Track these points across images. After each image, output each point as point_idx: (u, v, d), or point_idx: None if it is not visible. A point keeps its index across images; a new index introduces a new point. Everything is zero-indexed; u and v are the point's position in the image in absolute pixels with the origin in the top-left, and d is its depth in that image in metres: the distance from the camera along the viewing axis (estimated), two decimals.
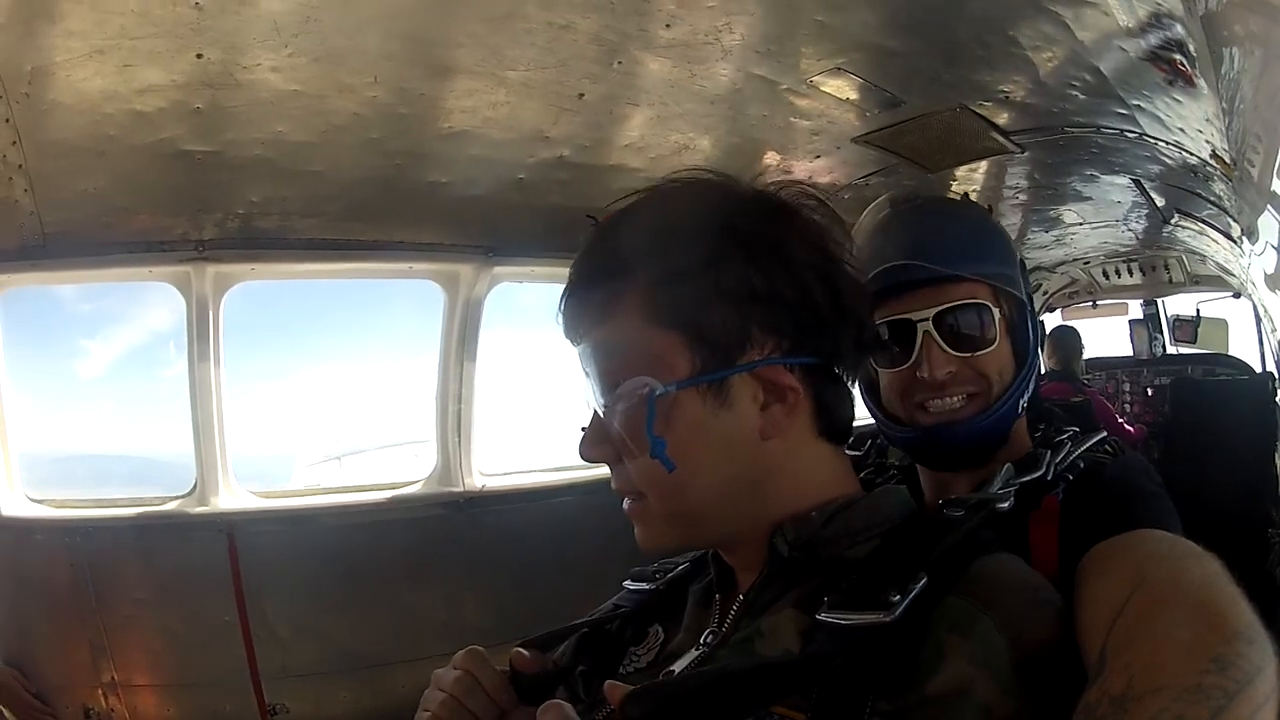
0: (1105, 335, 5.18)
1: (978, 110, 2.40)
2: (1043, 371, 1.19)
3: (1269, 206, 1.78)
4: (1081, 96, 2.26)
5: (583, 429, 0.70)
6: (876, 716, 0.54)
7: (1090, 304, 5.18)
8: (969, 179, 3.07)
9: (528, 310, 3.36)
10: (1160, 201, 3.23)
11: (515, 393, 3.78)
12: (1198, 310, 4.58)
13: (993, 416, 0.97)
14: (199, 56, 1.83)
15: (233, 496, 2.71)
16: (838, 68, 2.14)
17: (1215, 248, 3.51)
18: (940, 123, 2.47)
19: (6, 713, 2.46)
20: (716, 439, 0.65)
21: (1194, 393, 4.05)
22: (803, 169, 2.70)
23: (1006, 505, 0.72)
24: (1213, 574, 0.59)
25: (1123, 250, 4.40)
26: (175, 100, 1.96)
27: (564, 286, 0.69)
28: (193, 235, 2.51)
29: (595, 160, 2.51)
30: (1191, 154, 2.37)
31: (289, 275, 2.89)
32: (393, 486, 3.09)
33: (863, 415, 0.83)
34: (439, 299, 2.99)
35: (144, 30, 1.72)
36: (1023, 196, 3.39)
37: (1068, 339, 4.17)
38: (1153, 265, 4.57)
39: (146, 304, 2.98)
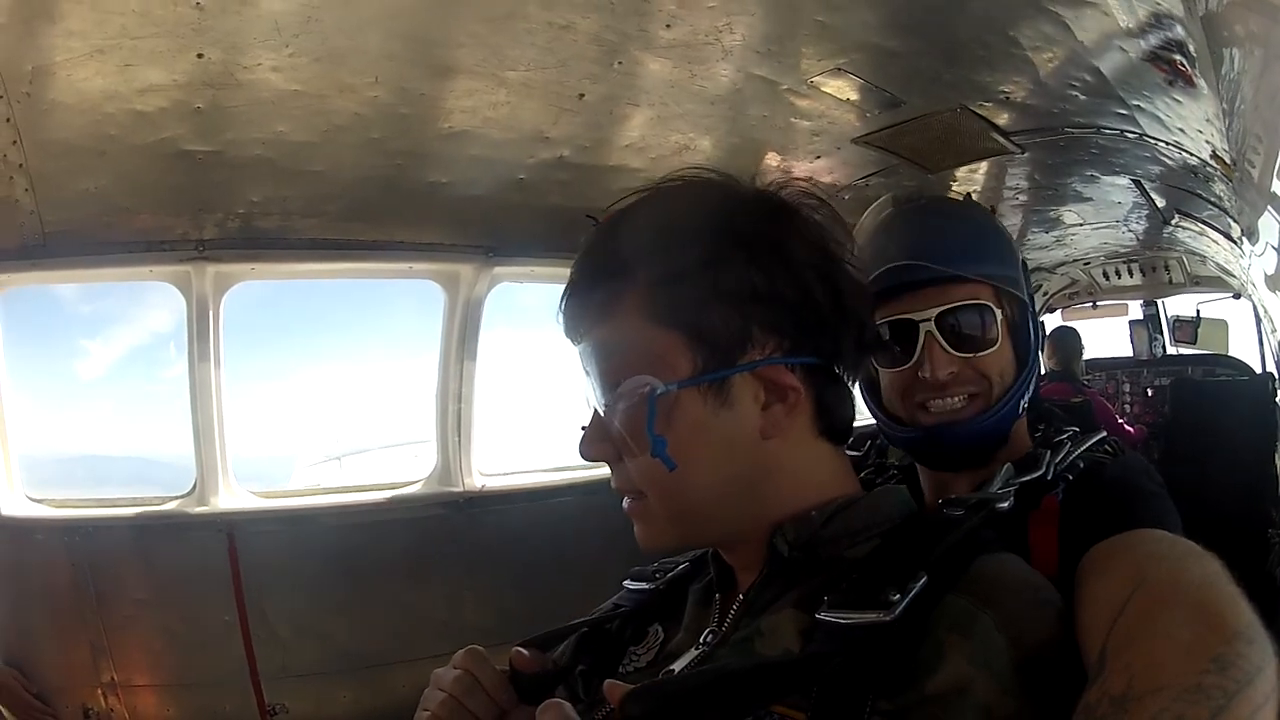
0: (1105, 336, 5.20)
1: (978, 111, 2.40)
2: (1042, 372, 1.19)
3: (1269, 207, 1.78)
4: (1082, 97, 2.26)
5: (583, 428, 0.70)
6: (876, 715, 0.54)
7: (1090, 305, 5.19)
8: (969, 180, 3.07)
9: (528, 311, 3.37)
10: (1160, 202, 3.23)
11: (515, 393, 3.79)
12: (1198, 311, 4.58)
13: (994, 417, 0.97)
14: (200, 56, 1.83)
15: (233, 496, 2.71)
16: (838, 68, 2.14)
17: (1215, 248, 3.51)
18: (940, 123, 2.47)
19: (6, 712, 2.46)
20: (717, 438, 0.65)
21: (1194, 394, 4.05)
22: (803, 170, 2.70)
23: (1006, 505, 0.72)
24: (1213, 574, 0.59)
25: (1123, 251, 4.40)
26: (176, 100, 1.96)
27: (565, 286, 0.69)
28: (193, 235, 2.51)
29: (595, 160, 2.51)
30: (1192, 154, 2.37)
31: (289, 275, 2.89)
32: (393, 486, 3.09)
33: (862, 415, 0.83)
34: (439, 299, 2.99)
35: (145, 30, 1.72)
36: (1023, 197, 3.39)
37: (1068, 339, 4.17)
38: (1153, 266, 4.58)
39: (146, 304, 2.98)
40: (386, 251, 2.82)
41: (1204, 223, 3.19)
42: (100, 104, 1.92)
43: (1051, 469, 0.90)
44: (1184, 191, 2.85)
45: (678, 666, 0.69)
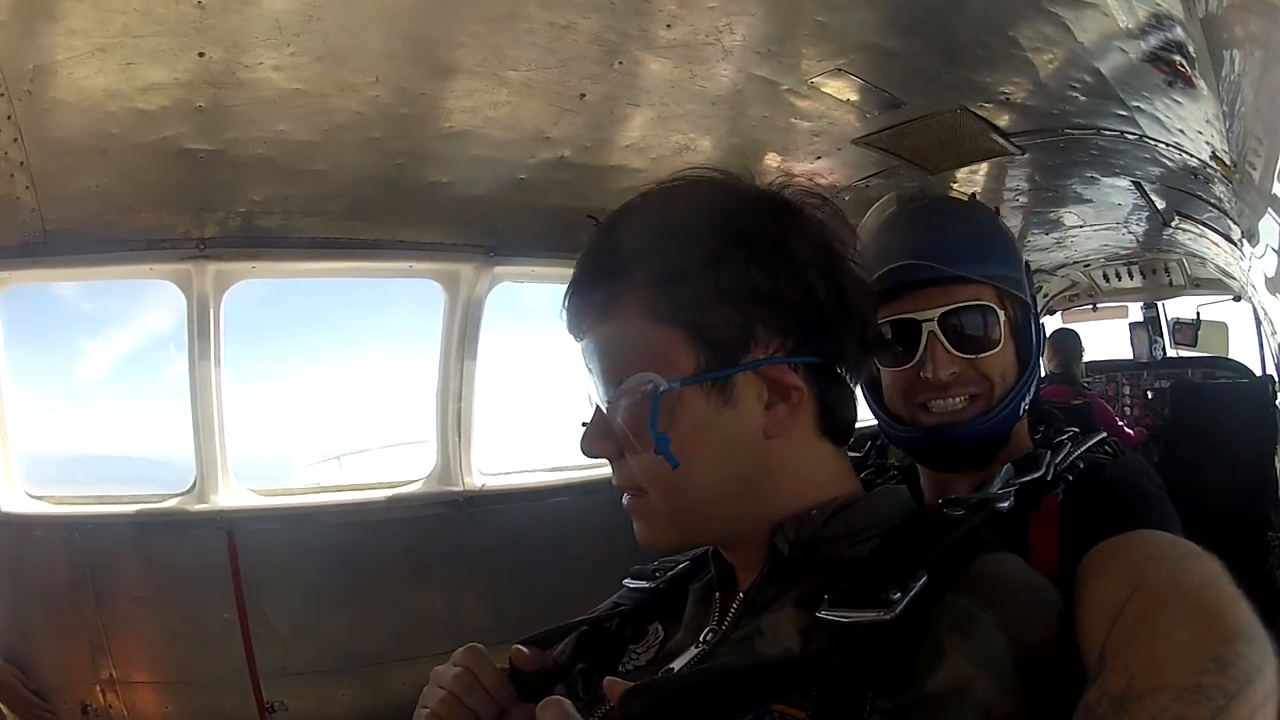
0: (1105, 338, 5.20)
1: (978, 112, 2.40)
2: (1043, 374, 1.20)
3: (1269, 209, 1.78)
4: (1082, 98, 2.26)
5: (584, 425, 0.70)
6: (876, 714, 0.54)
7: (1090, 307, 5.19)
8: (969, 181, 3.07)
9: (528, 311, 3.37)
10: (1160, 204, 3.23)
11: (515, 393, 3.79)
12: (1198, 313, 4.59)
13: (995, 418, 0.97)
14: (201, 55, 1.83)
15: (232, 494, 2.71)
16: (838, 69, 2.14)
17: (1215, 250, 3.51)
18: (940, 124, 2.47)
19: (5, 709, 2.46)
20: (720, 437, 0.65)
21: (1194, 396, 4.06)
22: (803, 170, 2.70)
23: (1006, 505, 0.72)
24: (1212, 574, 0.59)
25: (1123, 253, 4.40)
26: (177, 98, 1.96)
27: (567, 284, 0.69)
28: (194, 233, 2.51)
29: (596, 160, 2.51)
30: (1192, 156, 2.37)
31: (290, 274, 2.89)
32: (393, 486, 3.09)
33: (863, 416, 0.83)
34: (439, 298, 2.99)
35: (146, 29, 1.73)
36: (1023, 199, 3.39)
37: (1068, 341, 4.17)
38: (1153, 268, 4.58)
39: (147, 303, 2.98)
40: (387, 251, 2.82)
41: (1204, 225, 3.19)
42: (101, 102, 1.93)
43: (1052, 469, 0.90)
44: (1184, 193, 2.85)
45: (678, 665, 0.69)
